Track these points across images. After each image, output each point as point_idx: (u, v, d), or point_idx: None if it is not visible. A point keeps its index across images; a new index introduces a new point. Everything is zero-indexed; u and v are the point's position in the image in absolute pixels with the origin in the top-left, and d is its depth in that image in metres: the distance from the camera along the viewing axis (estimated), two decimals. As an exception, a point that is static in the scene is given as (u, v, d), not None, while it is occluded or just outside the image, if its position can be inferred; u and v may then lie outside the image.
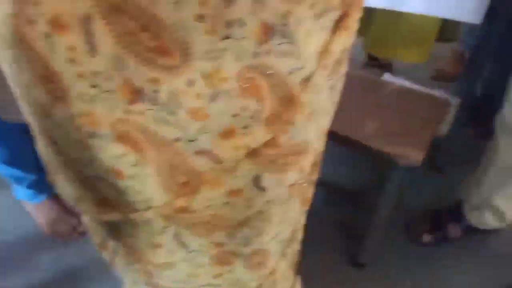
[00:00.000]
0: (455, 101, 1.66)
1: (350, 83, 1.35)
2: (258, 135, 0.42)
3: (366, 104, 1.28)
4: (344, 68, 0.50)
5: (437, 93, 1.78)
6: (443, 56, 2.03)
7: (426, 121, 1.23)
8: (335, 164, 1.69)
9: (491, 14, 1.33)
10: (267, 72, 0.39)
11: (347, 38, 0.45)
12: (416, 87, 1.78)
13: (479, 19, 1.33)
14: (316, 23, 0.40)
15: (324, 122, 0.51)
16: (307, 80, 0.42)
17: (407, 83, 1.84)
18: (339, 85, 0.52)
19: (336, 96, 0.52)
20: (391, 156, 1.14)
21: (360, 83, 1.35)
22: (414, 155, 1.12)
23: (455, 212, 1.44)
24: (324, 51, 0.42)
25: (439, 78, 2.01)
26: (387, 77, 1.87)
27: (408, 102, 1.28)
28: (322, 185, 1.61)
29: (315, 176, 0.60)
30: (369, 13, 1.48)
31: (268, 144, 0.43)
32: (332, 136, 1.30)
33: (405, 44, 1.74)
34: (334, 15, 0.42)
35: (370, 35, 1.78)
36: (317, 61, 0.42)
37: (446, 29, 1.72)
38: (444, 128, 1.62)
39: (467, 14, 1.34)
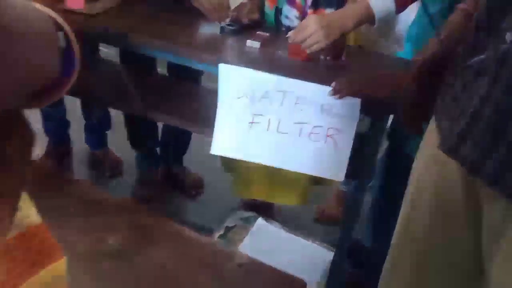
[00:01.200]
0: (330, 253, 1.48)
1: (186, 254, 1.10)
2: None
3: None
4: None
5: (312, 246, 1.58)
6: (328, 196, 1.89)
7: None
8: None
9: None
10: None
11: None
12: (285, 240, 1.57)
13: (341, 178, 1.22)
14: None
15: None
16: None
17: (281, 232, 1.63)
18: None
19: None
20: None
21: (200, 253, 1.09)
22: None
23: None
24: None
25: (323, 220, 1.84)
26: (260, 222, 1.66)
27: (255, 284, 1.03)
28: None
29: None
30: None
31: None
32: None
33: (279, 186, 1.57)
34: None
35: (237, 174, 1.60)
36: None
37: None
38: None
39: (329, 172, 1.24)
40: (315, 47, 1.10)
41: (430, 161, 0.74)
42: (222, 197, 1.85)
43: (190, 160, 1.99)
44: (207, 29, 1.30)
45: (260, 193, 1.59)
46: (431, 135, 0.75)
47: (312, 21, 1.07)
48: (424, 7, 0.87)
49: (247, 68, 1.12)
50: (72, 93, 1.62)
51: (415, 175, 0.82)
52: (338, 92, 1.05)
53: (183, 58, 1.18)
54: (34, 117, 2.19)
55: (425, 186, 0.76)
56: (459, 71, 0.65)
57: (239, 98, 1.16)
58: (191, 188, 1.92)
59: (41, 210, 1.02)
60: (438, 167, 0.71)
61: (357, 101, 1.06)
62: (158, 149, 1.93)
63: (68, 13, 1.25)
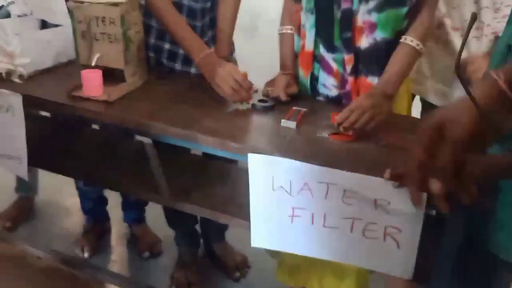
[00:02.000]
0: None
1: None
2: None
3: None
4: None
5: None
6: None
7: None
8: None
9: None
10: None
11: None
12: None
13: (409, 275, 1.00)
14: None
15: None
16: None
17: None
18: None
19: None
20: None
21: None
22: None
23: None
24: None
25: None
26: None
27: None
28: None
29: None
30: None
31: None
32: None
33: (332, 275, 1.34)
34: None
35: (282, 259, 1.40)
36: None
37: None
38: None
39: (393, 270, 1.04)
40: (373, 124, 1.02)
41: None
42: (269, 279, 1.64)
43: (233, 236, 1.81)
44: (236, 109, 1.15)
45: (309, 282, 1.37)
46: None
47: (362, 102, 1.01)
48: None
49: (282, 158, 0.93)
50: (98, 183, 1.53)
51: None
52: (396, 180, 0.84)
53: (207, 147, 1.02)
54: (71, 194, 2.13)
55: None
56: None
57: (274, 190, 0.98)
58: (235, 269, 1.72)
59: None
60: None
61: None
62: (198, 226, 1.77)
63: (85, 101, 1.15)
